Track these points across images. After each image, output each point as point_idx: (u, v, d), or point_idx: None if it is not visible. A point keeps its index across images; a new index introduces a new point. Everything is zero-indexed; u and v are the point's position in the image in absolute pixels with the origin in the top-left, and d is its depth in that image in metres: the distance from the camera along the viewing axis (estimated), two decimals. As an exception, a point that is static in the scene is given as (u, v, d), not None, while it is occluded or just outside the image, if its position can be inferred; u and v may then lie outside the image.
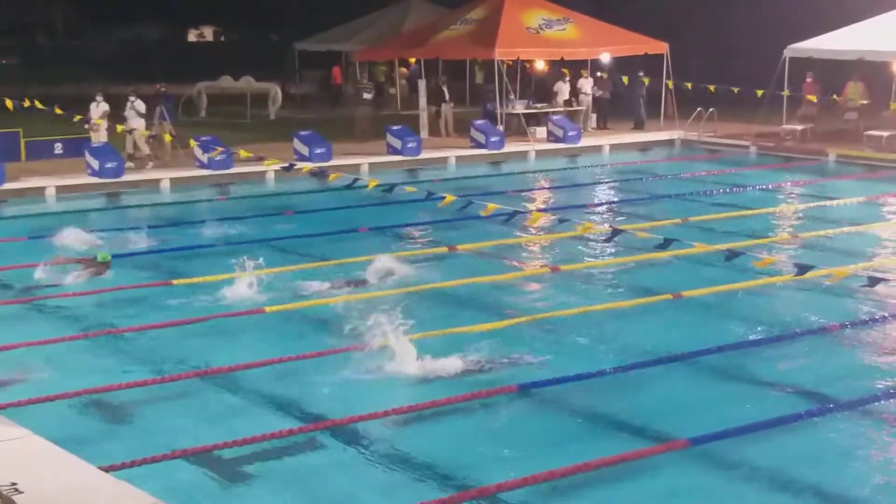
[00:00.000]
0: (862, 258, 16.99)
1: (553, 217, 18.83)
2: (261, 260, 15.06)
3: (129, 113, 25.22)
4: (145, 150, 25.18)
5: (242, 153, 19.22)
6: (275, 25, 53.39)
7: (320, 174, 22.94)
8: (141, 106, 25.28)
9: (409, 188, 19.24)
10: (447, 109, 31.44)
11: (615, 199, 23.04)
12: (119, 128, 24.89)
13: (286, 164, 21.93)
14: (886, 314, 13.98)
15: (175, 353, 12.40)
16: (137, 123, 25.15)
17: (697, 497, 9.12)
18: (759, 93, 29.31)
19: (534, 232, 19.23)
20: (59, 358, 12.21)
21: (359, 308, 13.39)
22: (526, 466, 9.26)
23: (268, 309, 13.98)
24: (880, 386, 11.50)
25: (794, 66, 30.08)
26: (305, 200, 22.80)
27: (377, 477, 9.44)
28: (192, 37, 71.48)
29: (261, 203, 22.23)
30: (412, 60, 32.59)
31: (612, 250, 17.31)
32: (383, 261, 15.81)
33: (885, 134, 28.19)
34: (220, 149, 23.97)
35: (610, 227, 17.07)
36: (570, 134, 29.95)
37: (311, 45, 41.28)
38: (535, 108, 31.99)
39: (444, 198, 17.88)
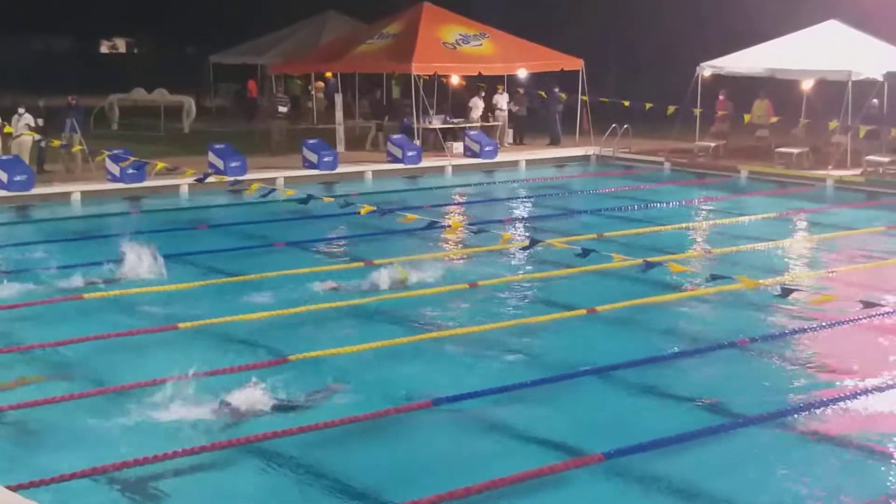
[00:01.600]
0: (774, 273, 17.23)
1: (470, 231, 18.84)
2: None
3: (17, 126, 24.67)
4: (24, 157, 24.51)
5: (158, 165, 18.92)
6: (189, 38, 52.87)
7: (235, 187, 22.66)
8: (29, 119, 24.77)
9: (326, 198, 19.08)
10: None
11: (532, 215, 23.12)
12: (6, 128, 24.25)
13: (200, 176, 21.58)
14: (796, 327, 14.18)
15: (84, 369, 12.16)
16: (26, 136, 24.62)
17: (613, 511, 9.14)
18: (670, 110, 29.67)
19: (451, 246, 19.22)
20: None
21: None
22: (442, 482, 9.19)
23: (181, 325, 13.78)
24: (792, 398, 11.64)
25: (706, 82, 30.51)
26: (220, 214, 22.55)
27: (294, 493, 9.31)
28: (104, 48, 70.49)
29: (174, 217, 21.91)
30: (329, 74, 32.43)
31: (529, 266, 17.31)
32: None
33: (796, 151, 28.70)
34: (131, 159, 23.58)
35: (529, 237, 17.08)
36: (487, 149, 30.04)
37: (226, 58, 40.96)
38: (452, 123, 32.03)
39: (361, 209, 17.74)
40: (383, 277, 15.81)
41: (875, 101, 27.84)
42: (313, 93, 40.24)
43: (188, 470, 9.56)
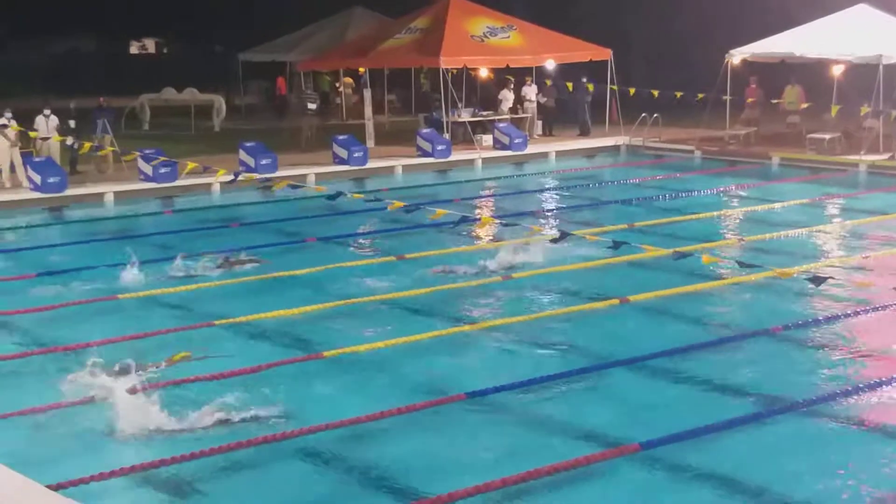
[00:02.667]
0: (807, 259, 17.15)
1: (501, 224, 18.85)
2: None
3: (46, 127, 24.76)
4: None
5: (189, 165, 19.02)
6: (218, 37, 53.02)
7: (266, 184, 22.77)
8: (55, 121, 24.87)
9: (355, 195, 19.15)
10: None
11: (562, 206, 23.09)
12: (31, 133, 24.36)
13: (231, 175, 21.67)
14: (831, 314, 14.12)
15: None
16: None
17: (651, 501, 9.13)
18: (700, 96, 29.53)
19: (483, 239, 19.23)
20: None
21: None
22: (478, 474, 9.23)
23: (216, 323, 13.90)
24: (828, 386, 11.60)
25: (737, 70, 30.36)
26: (252, 211, 22.67)
27: (329, 488, 9.37)
28: (133, 49, 70.85)
29: (207, 215, 22.05)
30: (361, 70, 32.46)
31: (561, 257, 17.27)
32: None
33: (827, 136, 28.51)
34: (161, 158, 23.72)
35: (560, 230, 17.06)
36: (517, 141, 30.02)
37: (254, 56, 41.05)
38: (481, 115, 32.02)
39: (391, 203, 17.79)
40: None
41: None
42: (341, 89, 40.32)
43: (226, 466, 9.66)
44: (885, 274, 16.34)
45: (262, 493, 9.33)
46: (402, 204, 16.20)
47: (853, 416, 10.76)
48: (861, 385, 11.54)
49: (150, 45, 71.23)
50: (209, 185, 24.37)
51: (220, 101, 37.30)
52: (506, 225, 17.61)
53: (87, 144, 23.52)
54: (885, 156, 26.92)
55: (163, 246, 18.79)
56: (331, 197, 17.39)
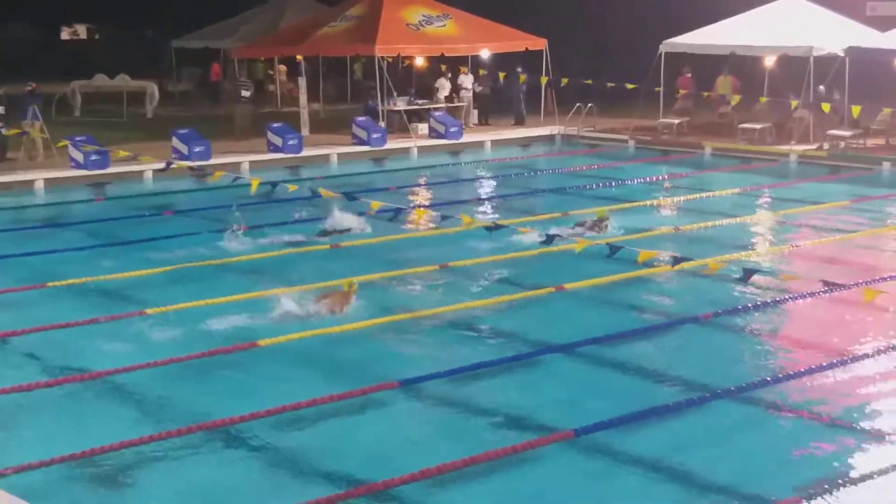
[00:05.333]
0: (738, 248, 17.36)
1: (436, 213, 18.86)
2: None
3: None
4: None
5: (120, 153, 18.78)
6: (151, 23, 52.43)
7: (200, 173, 22.58)
8: None
9: (291, 186, 18.99)
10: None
11: (498, 195, 23.13)
12: None
13: (162, 164, 21.50)
14: (759, 302, 14.30)
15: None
16: None
17: (585, 487, 9.20)
18: (630, 87, 29.73)
19: (419, 228, 19.23)
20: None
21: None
22: (414, 462, 9.23)
23: (149, 311, 13.75)
24: (754, 373, 11.74)
25: (670, 60, 30.62)
26: (185, 199, 22.45)
27: (264, 475, 9.32)
28: (65, 35, 69.84)
29: (139, 203, 21.80)
30: (299, 57, 32.25)
31: (495, 246, 17.30)
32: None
33: (758, 126, 28.87)
34: (92, 147, 23.41)
35: (494, 220, 17.10)
36: (452, 130, 30.03)
37: (188, 43, 40.66)
38: (417, 104, 31.99)
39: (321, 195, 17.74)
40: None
41: (822, 87, 28.00)
42: (276, 76, 40.06)
43: (141, 455, 9.58)
44: (814, 262, 16.60)
45: (195, 482, 9.26)
46: (379, 204, 16.21)
47: (781, 402, 10.91)
48: (789, 372, 11.72)
49: (82, 30, 70.28)
50: (141, 172, 24.09)
51: (152, 88, 36.86)
52: (441, 214, 17.61)
53: (15, 130, 23.18)
54: (815, 146, 27.30)
55: (93, 234, 18.60)
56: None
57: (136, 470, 9.32)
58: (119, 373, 11.47)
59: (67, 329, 13.11)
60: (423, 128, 30.52)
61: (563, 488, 9.15)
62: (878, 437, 10.11)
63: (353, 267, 15.85)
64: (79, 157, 23.99)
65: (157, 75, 40.32)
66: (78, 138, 24.32)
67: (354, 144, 28.64)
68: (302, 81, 31.80)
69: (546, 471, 9.39)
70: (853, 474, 9.22)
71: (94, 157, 23.77)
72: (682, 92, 31.16)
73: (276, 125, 27.71)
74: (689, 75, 31.52)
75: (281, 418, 10.31)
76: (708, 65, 31.25)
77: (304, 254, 17.13)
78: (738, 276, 14.84)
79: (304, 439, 10.03)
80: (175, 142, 25.98)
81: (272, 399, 10.64)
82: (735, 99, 29.63)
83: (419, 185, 24.62)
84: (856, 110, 26.20)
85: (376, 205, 16.94)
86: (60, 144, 23.45)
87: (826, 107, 26.85)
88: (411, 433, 10.26)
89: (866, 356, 12.18)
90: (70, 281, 15.15)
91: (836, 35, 28.24)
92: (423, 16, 32.24)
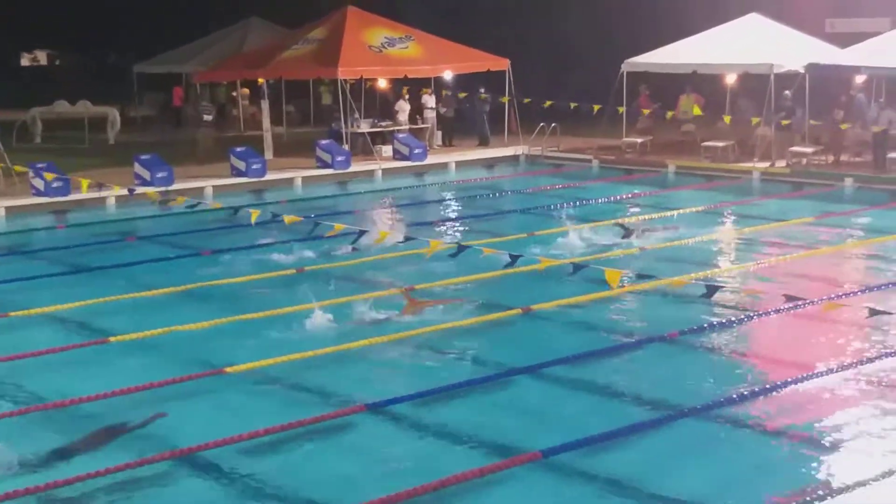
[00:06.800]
0: (702, 267, 17.40)
1: (400, 235, 18.81)
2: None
3: None
4: None
5: (84, 182, 18.66)
6: (112, 48, 52.25)
7: (164, 199, 22.46)
8: None
9: (254, 212, 18.94)
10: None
11: (463, 216, 23.14)
12: None
13: (126, 190, 21.33)
14: (724, 320, 14.34)
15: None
16: None
17: (553, 509, 9.19)
18: (596, 108, 29.85)
19: (383, 251, 19.16)
20: None
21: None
22: (382, 486, 9.18)
23: (112, 339, 13.63)
24: (720, 391, 11.75)
25: (633, 79, 30.79)
26: (148, 225, 22.31)
27: (231, 502, 9.26)
28: (25, 61, 69.48)
29: (101, 229, 21.65)
30: (261, 81, 32.20)
31: (460, 268, 17.25)
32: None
33: (721, 144, 29.04)
34: (54, 175, 23.24)
35: (458, 242, 17.06)
36: (416, 152, 30.04)
37: (150, 68, 40.50)
38: (381, 126, 31.97)
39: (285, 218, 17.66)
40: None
41: (787, 92, 28.25)
42: (239, 100, 39.97)
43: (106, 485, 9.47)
44: (777, 279, 16.67)
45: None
46: (342, 226, 16.20)
47: (748, 418, 10.93)
48: (754, 389, 11.74)
49: (42, 56, 69.95)
50: (104, 199, 23.93)
51: (114, 114, 36.65)
52: (405, 236, 17.56)
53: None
54: (781, 163, 27.46)
55: (56, 261, 18.46)
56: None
57: (100, 500, 9.20)
58: (83, 402, 11.35)
59: (30, 359, 12.95)
60: (387, 150, 30.50)
61: (531, 510, 9.12)
62: (844, 451, 10.15)
63: (319, 290, 15.80)
64: (39, 184, 23.80)
65: (119, 101, 40.10)
66: (39, 165, 24.13)
67: (318, 167, 28.58)
68: (265, 105, 31.72)
69: (514, 492, 9.36)
70: (820, 490, 9.24)
71: (55, 185, 23.59)
72: (645, 112, 31.28)
73: (239, 149, 27.62)
74: (647, 94, 31.68)
75: (248, 444, 10.23)
76: (671, 83, 31.42)
77: (269, 279, 17.04)
78: (703, 293, 14.87)
79: (272, 465, 9.95)
80: (137, 167, 25.81)
81: (239, 425, 10.56)
82: (696, 110, 29.75)
83: (384, 208, 24.58)
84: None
85: (339, 227, 16.87)
86: (20, 170, 23.25)
87: (785, 122, 27.06)
88: (379, 457, 10.19)
89: (831, 371, 12.23)
90: (32, 311, 15.00)
91: (797, 52, 28.47)
92: (386, 38, 32.27)
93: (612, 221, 19.20)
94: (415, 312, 14.56)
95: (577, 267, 14.61)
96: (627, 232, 19.54)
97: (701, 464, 9.96)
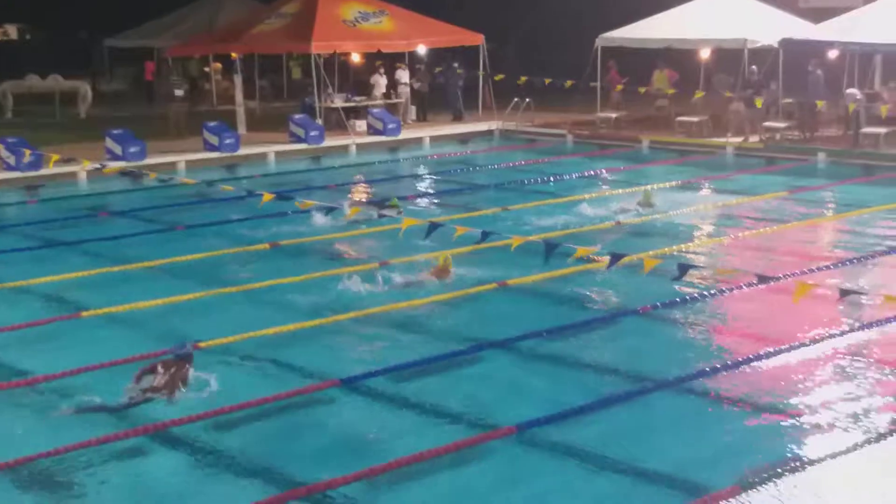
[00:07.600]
0: (676, 241, 17.43)
1: (373, 210, 18.77)
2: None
3: None
4: None
5: (53, 157, 18.51)
6: (83, 22, 51.69)
7: (135, 174, 22.32)
8: None
9: (225, 187, 18.77)
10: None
11: (437, 190, 23.11)
12: None
13: (96, 165, 21.15)
14: (696, 294, 14.38)
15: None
16: None
17: (529, 481, 9.17)
18: (568, 83, 29.80)
19: (357, 226, 19.10)
20: None
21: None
22: (356, 461, 9.17)
23: (84, 314, 13.55)
24: (694, 364, 11.79)
25: (607, 55, 30.75)
26: (120, 200, 22.17)
27: (206, 477, 9.21)
28: (-6, 35, 68.79)
29: (73, 204, 21.50)
30: (234, 55, 31.97)
31: (435, 243, 17.20)
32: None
33: (695, 119, 29.08)
34: (28, 151, 23.06)
35: (429, 220, 16.99)
36: (390, 126, 29.95)
37: (121, 42, 40.21)
38: (354, 101, 31.86)
39: (262, 196, 17.56)
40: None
41: (754, 67, 28.28)
42: (211, 74, 39.72)
43: (80, 460, 9.43)
44: (752, 253, 16.73)
45: (136, 486, 9.11)
46: (312, 203, 16.11)
47: (720, 392, 10.97)
48: (727, 362, 11.78)
49: (12, 30, 69.23)
50: (75, 173, 23.76)
51: (85, 88, 36.39)
52: (379, 212, 17.52)
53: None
54: (755, 138, 27.50)
55: (27, 236, 18.33)
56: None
57: (74, 474, 9.16)
58: (57, 378, 11.28)
59: (1, 334, 12.86)
60: (361, 125, 30.39)
61: (506, 483, 9.11)
62: (817, 425, 10.19)
63: (293, 265, 15.76)
64: (11, 159, 23.61)
65: (91, 75, 39.79)
66: (10, 140, 23.93)
67: (292, 142, 28.46)
68: (238, 79, 31.54)
69: (489, 466, 9.36)
70: (793, 463, 9.27)
71: (27, 160, 23.39)
72: (618, 87, 31.25)
73: (212, 124, 27.46)
74: (615, 70, 31.60)
75: (222, 419, 10.20)
76: (645, 58, 31.39)
77: (241, 253, 16.97)
78: (674, 270, 14.87)
79: (246, 440, 9.92)
80: (109, 142, 25.64)
81: (213, 400, 10.53)
82: (669, 90, 29.72)
83: (358, 182, 24.50)
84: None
85: (309, 203, 16.79)
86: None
87: (759, 102, 27.11)
88: (353, 431, 10.17)
89: (803, 345, 12.28)
90: (3, 285, 14.90)
91: (771, 27, 28.50)
92: (359, 12, 32.12)
93: (612, 223, 19.05)
94: (440, 276, 15.05)
95: (551, 245, 14.57)
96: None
97: (675, 436, 9.98)
